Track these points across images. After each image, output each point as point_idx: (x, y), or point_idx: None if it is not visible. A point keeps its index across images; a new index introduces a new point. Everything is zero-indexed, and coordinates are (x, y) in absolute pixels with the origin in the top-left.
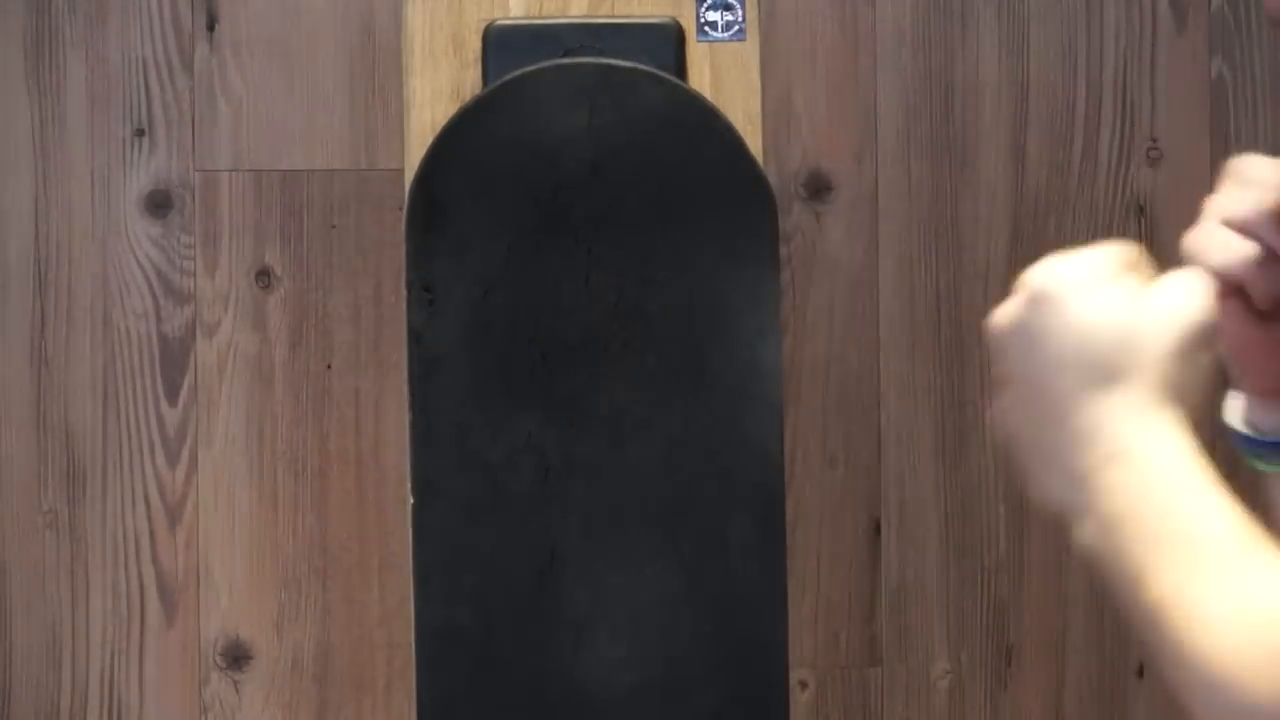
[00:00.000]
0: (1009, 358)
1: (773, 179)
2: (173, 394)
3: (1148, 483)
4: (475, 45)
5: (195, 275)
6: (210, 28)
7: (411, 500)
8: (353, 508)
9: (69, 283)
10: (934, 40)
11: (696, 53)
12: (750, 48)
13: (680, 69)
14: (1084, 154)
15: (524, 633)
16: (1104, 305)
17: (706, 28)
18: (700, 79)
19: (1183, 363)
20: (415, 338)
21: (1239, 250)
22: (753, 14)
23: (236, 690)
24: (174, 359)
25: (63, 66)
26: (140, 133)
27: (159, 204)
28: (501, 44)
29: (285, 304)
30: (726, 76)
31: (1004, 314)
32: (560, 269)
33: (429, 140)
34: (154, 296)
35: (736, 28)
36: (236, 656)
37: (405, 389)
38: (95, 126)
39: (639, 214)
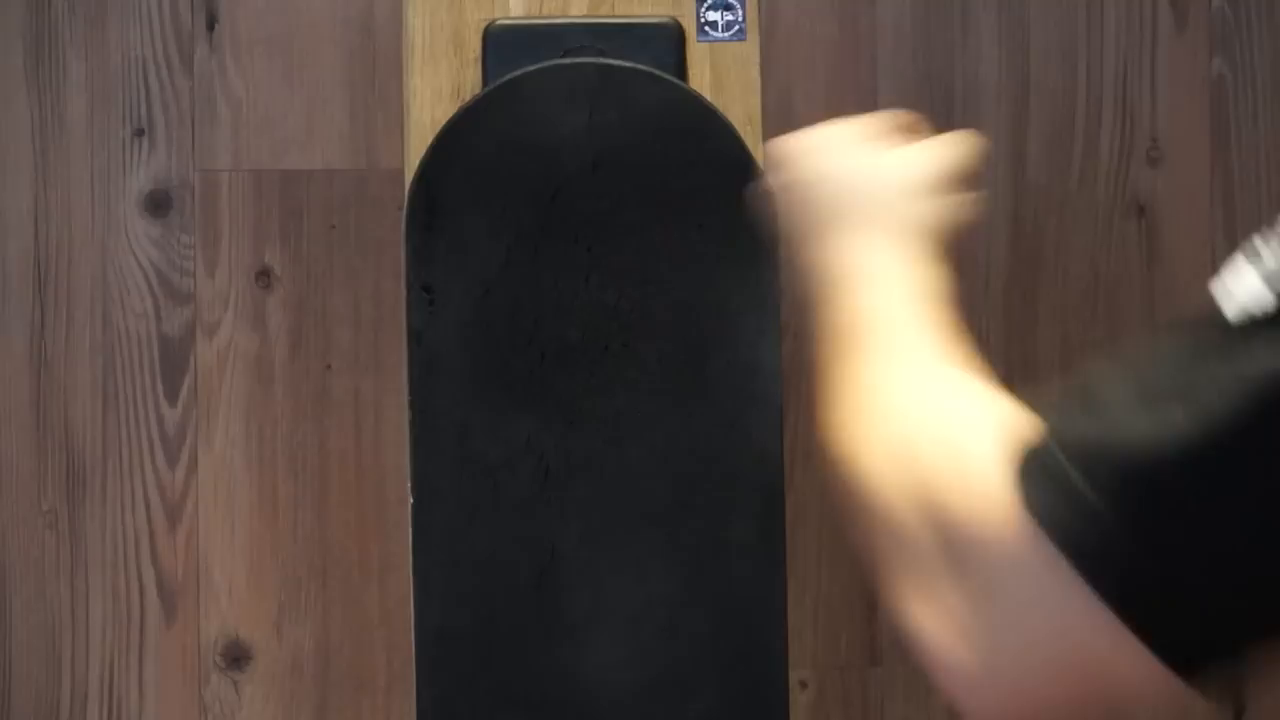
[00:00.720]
0: (794, 179)
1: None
2: (173, 394)
3: (864, 302)
4: (475, 45)
5: (195, 275)
6: (210, 28)
7: (411, 500)
8: (353, 508)
9: (69, 283)
10: (934, 41)
11: (696, 53)
12: (750, 48)
13: (680, 69)
14: (1084, 154)
15: (524, 633)
16: (861, 157)
17: (706, 28)
18: (700, 79)
19: (909, 203)
20: (415, 338)
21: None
22: (753, 14)
23: (236, 690)
24: (174, 359)
25: (63, 66)
26: (140, 133)
27: (159, 204)
28: (501, 44)
29: (285, 304)
30: (726, 76)
31: (791, 147)
32: (560, 269)
33: (429, 140)
34: (154, 296)
35: (736, 28)
36: (236, 656)
37: (405, 389)
38: (95, 126)
39: (639, 214)
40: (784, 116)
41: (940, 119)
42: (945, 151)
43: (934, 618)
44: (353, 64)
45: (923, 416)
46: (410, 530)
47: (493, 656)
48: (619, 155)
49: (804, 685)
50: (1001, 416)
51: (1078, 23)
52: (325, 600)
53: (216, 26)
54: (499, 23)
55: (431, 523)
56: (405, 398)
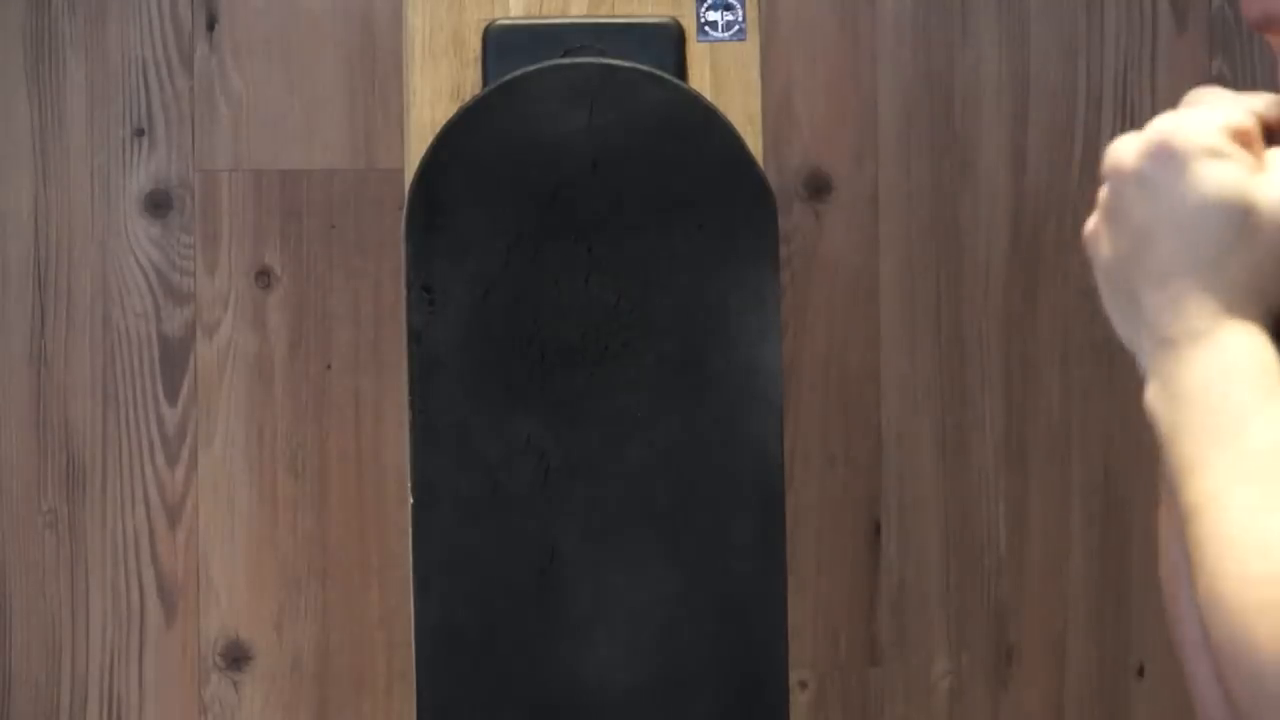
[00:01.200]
0: (1119, 195)
1: (773, 179)
2: (173, 394)
3: (1225, 371)
4: (475, 45)
5: (195, 275)
6: (210, 28)
7: (411, 500)
8: (353, 508)
9: (69, 283)
10: (934, 40)
11: (696, 53)
12: (750, 48)
13: (680, 69)
14: (1084, 154)
15: (524, 633)
16: (1223, 182)
17: (706, 28)
18: (700, 79)
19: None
20: (415, 338)
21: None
22: (753, 14)
23: (236, 690)
24: (174, 359)
25: (63, 66)
26: (140, 133)
27: (159, 204)
28: (501, 44)
29: (285, 304)
30: (726, 76)
31: (1127, 151)
32: (560, 269)
33: (429, 140)
34: (154, 296)
35: (736, 28)
36: (236, 656)
37: (405, 389)
38: (95, 126)
39: (639, 214)
40: (784, 116)
41: (940, 118)
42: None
43: None
44: (353, 64)
45: None
46: (410, 530)
47: (493, 656)
48: (619, 155)
49: (804, 685)
50: None
51: (1078, 22)
52: (325, 600)
53: (216, 26)
54: (499, 23)
55: (431, 523)
56: (405, 398)
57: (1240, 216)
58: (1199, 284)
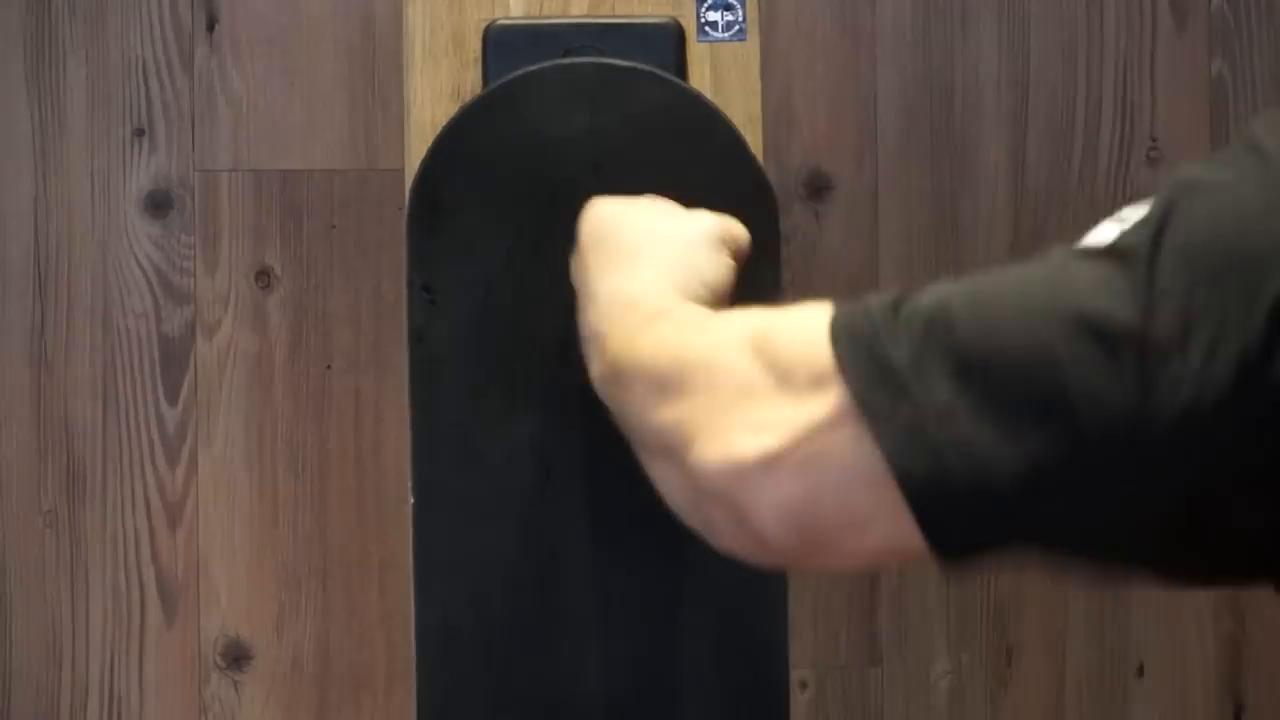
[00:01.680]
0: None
1: (773, 179)
2: (173, 394)
3: (632, 319)
4: (475, 45)
5: (195, 275)
6: (210, 28)
7: (411, 500)
8: (353, 508)
9: (69, 283)
10: (934, 40)
11: (697, 53)
12: (750, 48)
13: (680, 69)
14: (1084, 154)
15: (524, 633)
16: (639, 212)
17: (707, 28)
18: (700, 79)
19: (691, 255)
20: (415, 338)
21: None
22: (753, 14)
23: (236, 690)
24: (174, 359)
25: (63, 66)
26: (140, 133)
27: (159, 204)
28: (501, 44)
29: (285, 304)
30: (727, 76)
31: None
32: (560, 269)
33: (429, 140)
34: (154, 296)
35: (737, 28)
36: (236, 656)
37: (405, 389)
38: (95, 126)
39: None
40: (784, 116)
41: (940, 119)
42: (727, 221)
43: (724, 412)
44: (353, 64)
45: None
46: (410, 530)
47: (493, 656)
48: (619, 155)
49: (804, 685)
50: (818, 308)
51: (1078, 23)
52: (325, 600)
53: (216, 26)
54: (499, 23)
55: (431, 523)
56: (405, 398)
57: (650, 228)
58: (628, 272)
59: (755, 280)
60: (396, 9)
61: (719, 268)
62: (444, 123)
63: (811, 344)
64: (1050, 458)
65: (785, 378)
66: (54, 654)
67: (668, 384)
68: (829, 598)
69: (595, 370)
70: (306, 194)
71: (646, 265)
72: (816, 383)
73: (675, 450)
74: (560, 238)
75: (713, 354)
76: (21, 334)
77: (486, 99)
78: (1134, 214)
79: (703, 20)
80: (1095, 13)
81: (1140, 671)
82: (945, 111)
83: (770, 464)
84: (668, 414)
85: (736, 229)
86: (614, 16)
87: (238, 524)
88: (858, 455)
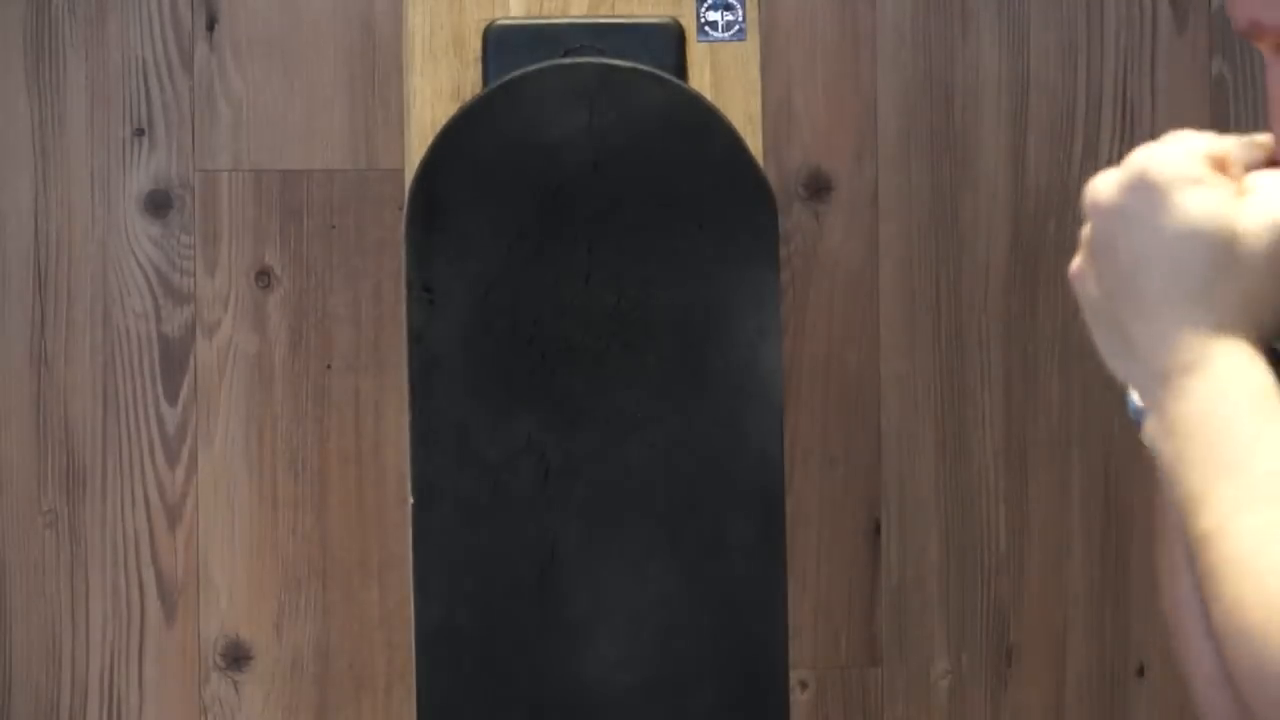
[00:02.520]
0: (1101, 231)
1: (773, 179)
2: (173, 394)
3: (1223, 399)
4: (475, 45)
5: (195, 275)
6: (210, 28)
7: (411, 500)
8: (353, 508)
9: (69, 283)
10: (934, 40)
11: (697, 53)
12: (750, 48)
13: (680, 69)
14: (1084, 154)
15: (524, 633)
16: (1205, 208)
17: (707, 28)
18: (700, 79)
19: (1273, 279)
20: (415, 338)
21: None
22: (753, 14)
23: (236, 690)
24: (174, 359)
25: (63, 66)
26: (140, 133)
27: (159, 204)
28: (501, 44)
29: (285, 304)
30: (726, 76)
31: (1106, 186)
32: (560, 269)
33: (429, 140)
34: (154, 296)
35: (737, 28)
36: (236, 656)
37: (405, 389)
38: (95, 126)
39: (639, 214)
40: (784, 116)
41: (940, 119)
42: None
43: None
44: (353, 64)
45: None
46: (410, 530)
47: (493, 656)
48: (619, 155)
49: (804, 685)
50: None
51: (1078, 22)
52: (325, 600)
53: (216, 26)
54: (499, 23)
55: (431, 523)
56: (405, 398)
57: (1225, 242)
58: (1188, 314)
59: (755, 280)
60: (396, 9)
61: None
62: (444, 123)
63: None
64: None
65: None
66: (54, 654)
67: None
68: (829, 598)
69: (1151, 425)
70: (306, 194)
71: (1222, 301)
72: None
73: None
74: (560, 238)
75: None
76: (21, 334)
77: (486, 99)
78: None
79: (703, 20)
80: (1095, 13)
81: (1140, 671)
82: (945, 111)
83: None
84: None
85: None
86: (614, 16)
87: (238, 524)
88: None
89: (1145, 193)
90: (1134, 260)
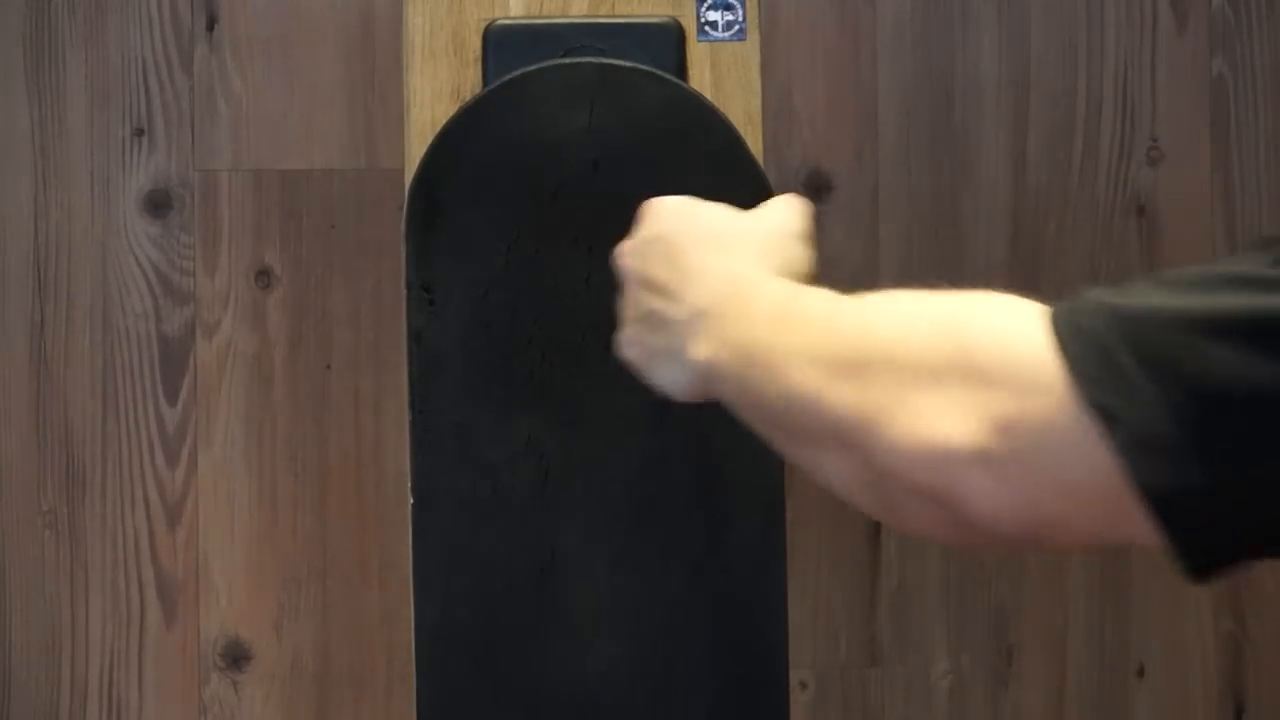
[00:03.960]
0: (630, 269)
1: (773, 179)
2: (172, 394)
3: (766, 300)
4: (475, 45)
5: (195, 275)
6: (210, 27)
7: (411, 500)
8: (353, 508)
9: (69, 283)
10: (934, 40)
11: (696, 53)
12: (750, 48)
13: (680, 69)
14: (1084, 154)
15: (524, 633)
16: (713, 206)
17: (706, 28)
18: (700, 79)
19: (782, 243)
20: (415, 338)
21: None
22: (753, 14)
23: (236, 690)
24: (174, 359)
25: (62, 66)
26: (140, 133)
27: (159, 204)
28: (501, 44)
29: (285, 304)
30: (726, 76)
31: (624, 248)
32: (560, 269)
33: (429, 140)
34: (154, 296)
35: (737, 28)
36: (236, 657)
37: (405, 389)
38: (95, 126)
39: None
40: (784, 116)
41: (940, 118)
42: (792, 209)
43: (949, 412)
44: (353, 64)
45: (930, 309)
46: (410, 530)
47: (493, 656)
48: (619, 155)
49: (804, 685)
50: (1016, 300)
51: (1078, 23)
52: (325, 600)
53: (216, 26)
54: (499, 23)
55: (431, 523)
56: (405, 398)
57: (730, 219)
58: (719, 260)
59: None
60: (396, 9)
61: (807, 261)
62: (444, 123)
63: (1023, 336)
64: None
65: (993, 366)
66: (54, 654)
67: (846, 366)
68: (829, 598)
69: (705, 351)
70: (306, 194)
71: (742, 251)
72: (1033, 377)
73: (855, 434)
74: (560, 238)
75: (904, 335)
76: (21, 334)
77: (486, 99)
78: None
79: (703, 20)
80: (1095, 13)
81: (1140, 671)
82: (945, 111)
83: (984, 457)
84: (847, 396)
85: (809, 223)
86: (614, 16)
87: (237, 524)
88: (1085, 457)
89: (657, 213)
90: (658, 251)
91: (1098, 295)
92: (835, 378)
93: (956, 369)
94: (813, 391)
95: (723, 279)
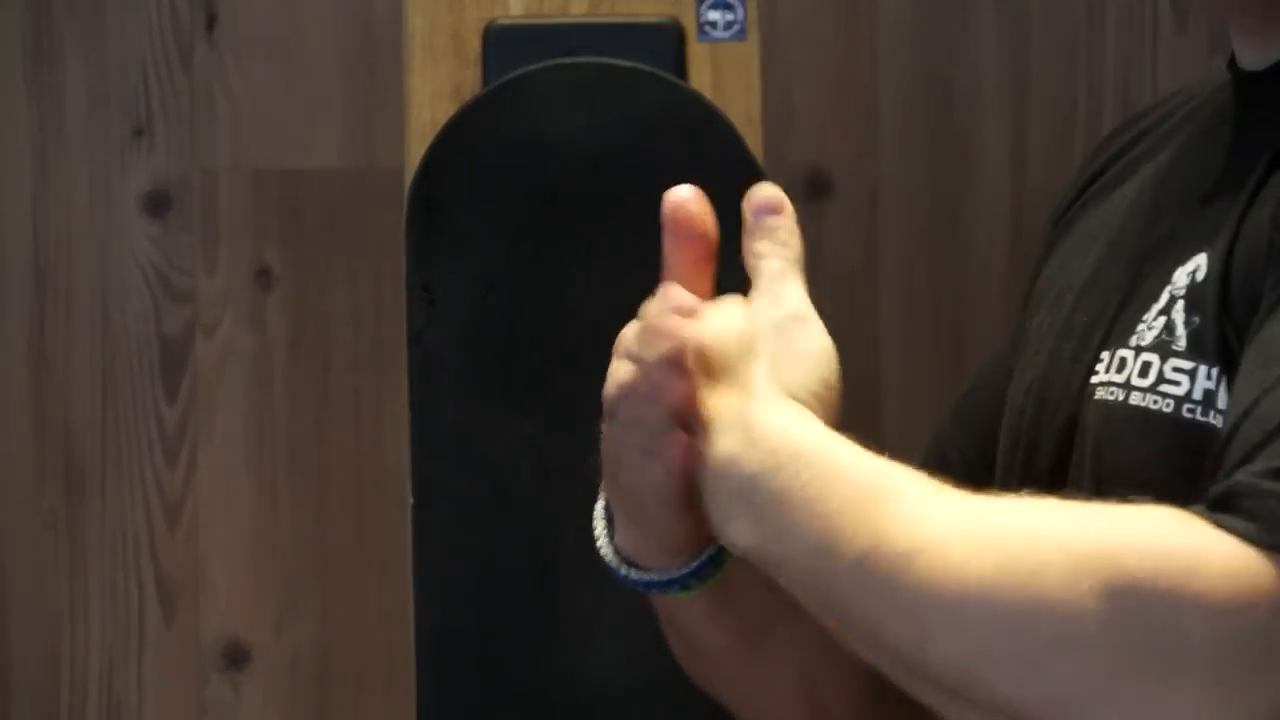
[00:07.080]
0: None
1: (772, 179)
2: (172, 394)
3: (790, 456)
4: (475, 45)
5: (195, 275)
6: (209, 27)
7: (411, 500)
8: (353, 508)
9: (68, 283)
10: (934, 39)
11: (696, 53)
12: (750, 48)
13: (680, 69)
14: (1084, 154)
15: (524, 633)
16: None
17: (706, 27)
18: (700, 79)
19: (778, 352)
20: (415, 338)
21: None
22: (753, 14)
23: (236, 690)
24: (174, 359)
25: (62, 66)
26: (139, 132)
27: (158, 204)
28: (501, 43)
29: (285, 304)
30: (726, 76)
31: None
32: (560, 269)
33: (429, 140)
34: (153, 296)
35: (737, 28)
36: (236, 657)
37: (405, 389)
38: (95, 126)
39: (639, 214)
40: (784, 116)
41: (940, 119)
42: (730, 316)
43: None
44: (353, 64)
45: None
46: (410, 530)
47: (493, 656)
48: (619, 155)
49: None
50: (1127, 510)
51: (1078, 23)
52: (325, 600)
53: (216, 26)
54: (499, 23)
55: (431, 523)
56: (405, 398)
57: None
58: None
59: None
60: (396, 9)
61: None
62: (444, 123)
63: (1234, 564)
64: None
65: (1198, 608)
66: (53, 654)
67: (996, 620)
68: None
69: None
70: (306, 194)
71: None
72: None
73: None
74: (560, 238)
75: (1059, 588)
76: (21, 334)
77: (486, 99)
78: None
79: (703, 20)
80: (1095, 12)
81: None
82: (945, 111)
83: None
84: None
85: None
86: (614, 16)
87: (237, 524)
88: None
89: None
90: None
91: (1252, 478)
92: (980, 642)
93: (1158, 630)
94: (929, 646)
95: (726, 423)
